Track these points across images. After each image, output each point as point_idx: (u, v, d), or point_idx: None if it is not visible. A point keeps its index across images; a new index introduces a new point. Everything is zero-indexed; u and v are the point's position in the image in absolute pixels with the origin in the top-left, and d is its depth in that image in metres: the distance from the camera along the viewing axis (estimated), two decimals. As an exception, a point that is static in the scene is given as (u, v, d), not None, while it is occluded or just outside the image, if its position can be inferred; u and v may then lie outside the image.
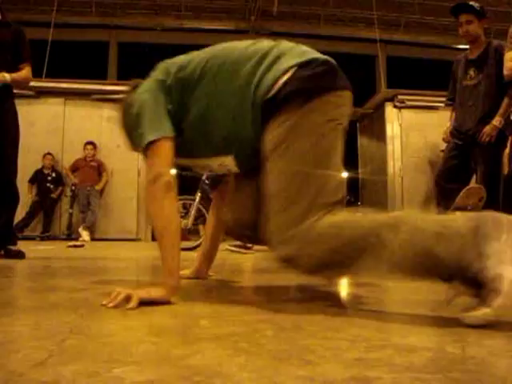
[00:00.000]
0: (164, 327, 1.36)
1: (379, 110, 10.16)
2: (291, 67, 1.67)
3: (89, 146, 8.72)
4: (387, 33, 12.11)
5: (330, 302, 1.87)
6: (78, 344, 1.11)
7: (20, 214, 8.25)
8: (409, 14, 12.04)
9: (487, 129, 4.08)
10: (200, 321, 1.39)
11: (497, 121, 4.07)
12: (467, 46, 4.44)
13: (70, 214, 8.60)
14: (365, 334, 1.22)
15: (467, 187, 3.96)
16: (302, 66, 1.68)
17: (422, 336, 1.24)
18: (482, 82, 4.21)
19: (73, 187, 8.61)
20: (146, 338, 1.20)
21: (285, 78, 1.66)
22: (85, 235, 8.20)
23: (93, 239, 8.29)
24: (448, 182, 4.31)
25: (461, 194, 3.93)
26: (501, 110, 4.08)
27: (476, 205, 3.90)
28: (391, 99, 9.77)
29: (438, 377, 0.87)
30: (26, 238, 7.74)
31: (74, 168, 8.75)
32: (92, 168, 8.69)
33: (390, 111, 9.79)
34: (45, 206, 8.55)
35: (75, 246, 6.13)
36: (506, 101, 4.09)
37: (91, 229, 8.50)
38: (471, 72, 4.31)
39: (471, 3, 4.22)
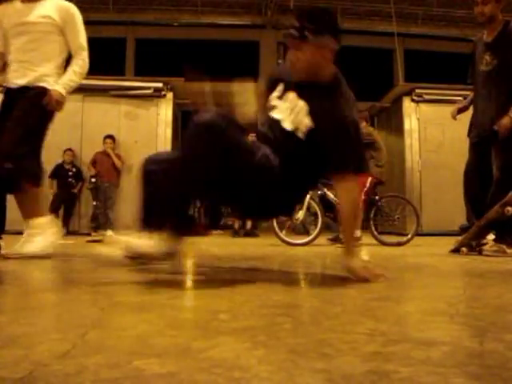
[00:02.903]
0: (183, 321, 1.37)
1: (397, 104, 10.08)
2: None
3: (108, 140, 8.74)
4: (405, 26, 11.99)
5: (347, 296, 1.87)
6: (99, 337, 1.13)
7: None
8: (426, 7, 11.91)
9: (504, 122, 3.91)
10: (219, 314, 1.40)
11: None
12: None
13: (95, 206, 8.59)
14: (382, 328, 1.22)
15: None
16: None
17: (439, 330, 1.24)
18: (498, 69, 4.02)
19: (92, 179, 8.62)
20: (166, 331, 1.22)
21: None
22: (109, 232, 8.31)
23: (113, 234, 8.37)
24: (475, 175, 4.21)
25: None
26: None
27: None
28: (409, 93, 9.69)
29: (456, 371, 0.87)
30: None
31: (94, 162, 8.78)
32: (111, 162, 8.70)
33: (407, 105, 9.71)
34: (66, 200, 8.63)
35: (94, 241, 6.19)
36: None
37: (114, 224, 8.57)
38: (487, 57, 4.11)
39: None
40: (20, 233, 3.87)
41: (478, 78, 4.22)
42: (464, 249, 4.04)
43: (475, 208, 4.18)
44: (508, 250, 3.76)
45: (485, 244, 4.09)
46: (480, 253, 3.98)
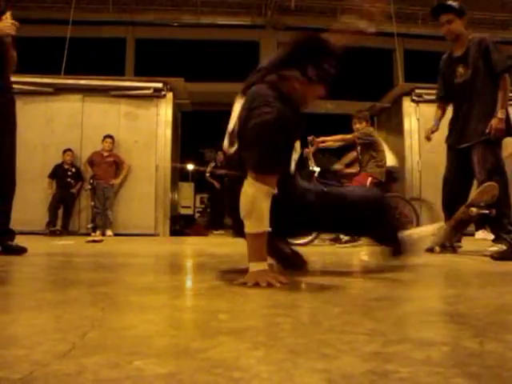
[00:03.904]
0: (183, 321, 1.37)
1: (397, 104, 10.08)
2: None
3: (108, 140, 8.75)
4: (405, 26, 11.98)
5: (347, 296, 1.87)
6: (99, 337, 1.13)
7: (40, 209, 8.39)
8: (426, 7, 11.90)
9: (494, 124, 4.01)
10: (218, 315, 1.40)
11: (501, 113, 4.01)
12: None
13: (92, 207, 8.63)
14: (382, 329, 1.22)
15: (484, 184, 3.94)
16: None
17: (439, 330, 1.24)
18: (474, 78, 4.18)
19: (91, 180, 8.65)
20: (166, 331, 1.22)
21: None
22: (109, 232, 8.38)
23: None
24: (456, 181, 4.35)
25: (477, 190, 3.95)
26: (500, 103, 4.04)
27: (489, 201, 3.92)
28: (409, 93, 9.69)
29: (456, 371, 0.87)
30: (35, 233, 7.90)
31: (91, 161, 8.79)
32: (108, 163, 8.72)
33: (407, 105, 9.71)
34: (65, 200, 8.64)
35: (94, 241, 6.19)
36: (501, 93, 4.06)
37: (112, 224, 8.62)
38: (460, 69, 4.29)
39: (449, 3, 4.28)
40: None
41: (455, 90, 4.36)
42: (437, 248, 4.17)
43: (453, 212, 4.28)
44: (506, 248, 3.84)
45: (458, 246, 4.29)
46: (454, 251, 4.17)
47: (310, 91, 2.29)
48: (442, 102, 4.63)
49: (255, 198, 2.08)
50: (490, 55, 4.08)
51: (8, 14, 3.49)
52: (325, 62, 2.25)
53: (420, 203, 6.45)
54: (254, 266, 2.07)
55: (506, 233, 4.00)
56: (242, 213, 2.12)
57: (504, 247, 3.85)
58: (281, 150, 2.17)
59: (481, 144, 4.09)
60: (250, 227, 2.10)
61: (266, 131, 2.08)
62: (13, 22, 3.46)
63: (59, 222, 8.52)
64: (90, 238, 6.54)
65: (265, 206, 2.09)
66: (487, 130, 4.04)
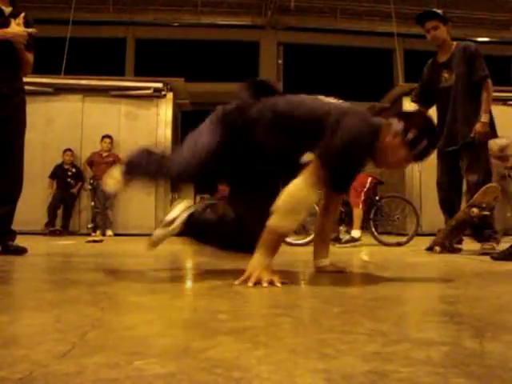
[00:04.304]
0: (183, 321, 1.37)
1: (396, 104, 10.08)
2: None
3: (107, 140, 8.73)
4: (405, 26, 11.98)
5: (347, 296, 1.87)
6: (99, 337, 1.13)
7: (40, 209, 8.38)
8: (426, 7, 11.91)
9: (478, 128, 4.10)
10: (218, 315, 1.40)
11: (485, 118, 4.11)
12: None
13: (93, 207, 8.62)
14: (382, 329, 1.22)
15: (486, 186, 3.98)
16: None
17: (439, 330, 1.24)
18: (458, 83, 4.27)
19: (91, 180, 8.64)
20: (166, 331, 1.22)
21: None
22: (109, 232, 8.37)
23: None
24: (449, 183, 4.45)
25: (479, 191, 3.97)
26: (483, 107, 4.13)
27: (490, 203, 3.94)
28: (409, 93, 9.68)
29: (456, 371, 0.87)
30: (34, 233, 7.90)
31: (90, 162, 8.78)
32: (107, 163, 8.69)
33: (407, 105, 9.70)
34: (65, 200, 8.63)
35: (94, 241, 6.19)
36: (484, 98, 4.15)
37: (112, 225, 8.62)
38: (445, 74, 4.39)
39: (434, 10, 4.51)
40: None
41: (440, 95, 4.44)
42: (437, 248, 4.20)
43: (452, 213, 4.34)
44: (497, 246, 3.93)
45: (458, 248, 4.30)
46: (453, 252, 4.17)
47: (396, 151, 2.26)
48: (421, 105, 4.66)
49: (303, 204, 2.13)
50: (474, 62, 4.21)
51: (21, 17, 3.49)
52: (425, 141, 2.23)
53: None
54: (259, 258, 2.08)
55: (494, 232, 4.15)
56: (279, 205, 2.08)
57: (493, 244, 3.96)
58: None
59: (469, 146, 4.18)
60: (276, 221, 2.08)
61: (349, 149, 2.13)
62: (26, 30, 3.48)
63: (59, 223, 8.51)
64: (90, 238, 6.53)
65: (305, 214, 2.17)
66: (472, 134, 4.12)
